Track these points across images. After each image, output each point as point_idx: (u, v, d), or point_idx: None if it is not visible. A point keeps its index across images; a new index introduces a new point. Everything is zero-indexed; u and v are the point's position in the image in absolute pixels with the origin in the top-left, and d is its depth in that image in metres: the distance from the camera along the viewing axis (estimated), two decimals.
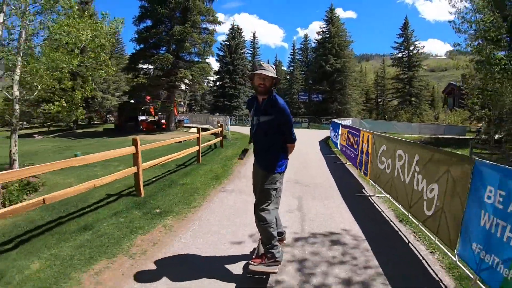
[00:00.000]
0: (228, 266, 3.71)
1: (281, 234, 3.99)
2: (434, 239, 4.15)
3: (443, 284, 3.37)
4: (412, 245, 4.28)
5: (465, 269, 3.43)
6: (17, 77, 8.54)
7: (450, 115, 39.39)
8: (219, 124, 16.95)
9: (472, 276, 3.25)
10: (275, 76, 3.40)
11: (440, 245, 3.96)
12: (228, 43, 47.46)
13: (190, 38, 25.36)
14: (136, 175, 6.39)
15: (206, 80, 40.30)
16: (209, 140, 13.24)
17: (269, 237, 3.38)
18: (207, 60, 28.82)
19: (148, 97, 27.83)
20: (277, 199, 3.58)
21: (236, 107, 44.58)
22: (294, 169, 9.06)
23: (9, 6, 8.19)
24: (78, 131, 33.00)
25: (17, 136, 9.13)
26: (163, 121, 29.17)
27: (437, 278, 3.48)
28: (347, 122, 20.06)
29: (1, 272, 3.41)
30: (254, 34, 58.28)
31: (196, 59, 27.74)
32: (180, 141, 12.21)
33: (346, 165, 10.55)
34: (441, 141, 22.30)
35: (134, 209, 5.55)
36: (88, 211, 5.43)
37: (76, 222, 4.91)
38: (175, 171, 9.01)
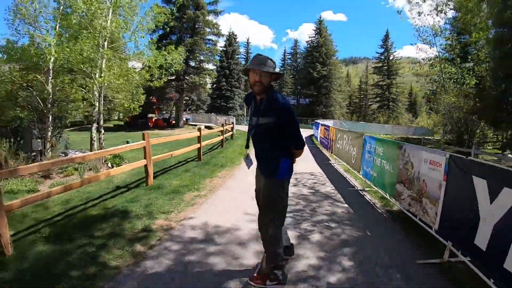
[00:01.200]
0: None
1: (288, 248, 3.61)
2: (355, 172, 9.03)
3: (354, 184, 8.16)
4: (345, 177, 9.08)
5: (362, 178, 8.14)
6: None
7: (425, 119, 44.94)
8: (226, 123, 21.80)
9: (363, 179, 8.01)
10: (274, 71, 2.93)
11: (357, 174, 8.81)
12: (225, 49, 52.16)
13: (198, 48, 30.11)
14: (199, 149, 11.11)
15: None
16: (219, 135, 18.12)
17: (275, 256, 3.08)
18: (209, 66, 33.68)
19: (154, 98, 32.26)
20: (283, 210, 3.16)
21: (231, 108, 49.22)
22: None
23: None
24: (89, 126, 36.83)
25: (95, 127, 13.27)
26: (173, 119, 33.84)
27: (352, 183, 8.26)
28: (329, 123, 25.03)
29: (160, 185, 7.87)
30: (247, 40, 63.44)
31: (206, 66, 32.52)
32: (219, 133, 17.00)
33: (321, 150, 15.57)
34: (407, 139, 27.43)
35: (205, 165, 10.24)
36: (176, 167, 10.11)
37: (178, 169, 9.61)
38: (210, 151, 13.73)
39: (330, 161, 11.93)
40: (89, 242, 4.16)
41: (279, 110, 2.88)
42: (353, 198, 6.75)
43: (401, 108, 55.69)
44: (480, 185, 3.21)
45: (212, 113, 41.76)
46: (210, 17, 32.20)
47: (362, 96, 65.45)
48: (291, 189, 7.85)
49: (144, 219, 5.01)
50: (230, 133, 19.29)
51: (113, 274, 3.45)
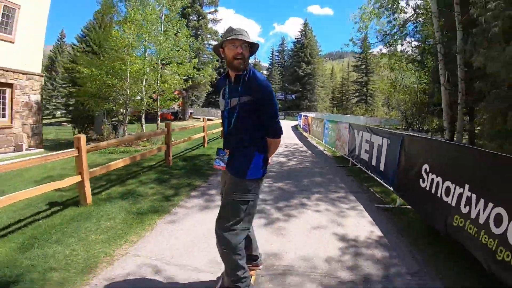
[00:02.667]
0: None
1: (256, 258, 3.08)
2: (321, 142, 14.78)
3: (319, 148, 13.81)
4: (315, 145, 14.69)
5: (323, 144, 13.84)
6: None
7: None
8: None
9: (324, 144, 13.72)
10: (254, 41, 2.46)
11: (321, 142, 14.52)
12: None
13: (201, 53, 35.56)
14: (204, 138, 16.62)
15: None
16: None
17: (234, 268, 2.54)
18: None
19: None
20: (249, 216, 2.56)
21: None
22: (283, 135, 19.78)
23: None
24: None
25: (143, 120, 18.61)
26: (179, 113, 39.35)
27: (318, 148, 13.90)
28: (311, 115, 30.81)
29: (211, 147, 13.53)
30: None
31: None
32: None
33: (302, 133, 21.28)
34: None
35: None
36: (209, 141, 15.64)
37: (211, 142, 15.20)
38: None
39: (307, 139, 17.60)
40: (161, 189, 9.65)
41: (257, 86, 2.37)
42: (317, 152, 12.36)
43: (378, 102, 61.97)
44: (357, 133, 8.85)
45: (210, 108, 47.06)
46: (210, 25, 37.63)
47: (343, 91, 71.66)
48: (286, 150, 13.12)
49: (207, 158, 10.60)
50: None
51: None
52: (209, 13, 37.91)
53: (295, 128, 26.64)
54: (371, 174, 7.08)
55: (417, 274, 3.21)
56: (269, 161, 2.78)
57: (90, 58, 17.27)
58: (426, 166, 4.30)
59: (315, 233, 4.24)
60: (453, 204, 3.51)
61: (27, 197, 4.36)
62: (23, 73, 14.29)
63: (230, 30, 2.45)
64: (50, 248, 3.62)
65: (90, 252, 3.56)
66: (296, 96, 58.51)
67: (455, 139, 11.76)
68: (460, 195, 3.41)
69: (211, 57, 37.23)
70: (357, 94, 65.27)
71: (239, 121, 2.52)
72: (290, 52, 66.15)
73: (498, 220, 2.78)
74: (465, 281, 3.04)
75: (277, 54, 72.01)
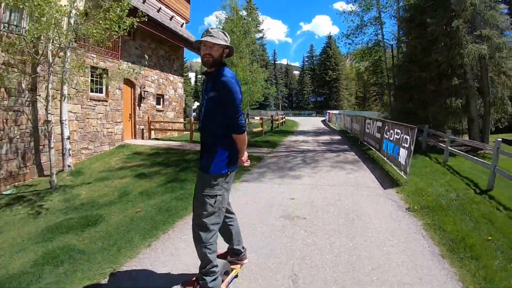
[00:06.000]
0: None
1: (239, 252, 3.13)
2: (336, 126, 27.47)
3: (332, 127, 26.35)
4: (333, 128, 27.19)
5: (338, 126, 26.62)
6: None
7: None
8: (278, 114, 40.07)
9: (338, 126, 26.44)
10: (226, 44, 2.63)
11: (336, 125, 27.23)
12: None
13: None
14: (261, 130, 29.79)
15: None
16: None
17: (205, 261, 2.61)
18: None
19: None
20: (218, 210, 2.63)
21: (268, 105, 67.51)
22: (315, 124, 32.29)
23: None
24: None
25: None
26: None
27: (332, 127, 26.07)
28: (333, 111, 42.94)
29: (279, 129, 26.42)
30: (274, 51, 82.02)
31: None
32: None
33: (327, 123, 33.37)
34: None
35: (277, 132, 28.73)
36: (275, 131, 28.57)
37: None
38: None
39: (329, 125, 29.57)
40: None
41: (221, 83, 2.52)
42: (331, 128, 24.19)
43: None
44: (343, 116, 21.60)
45: (260, 110, 59.95)
46: (257, 46, 50.56)
47: (365, 91, 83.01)
48: (317, 129, 25.52)
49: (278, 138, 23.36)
50: (282, 120, 37.33)
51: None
52: (258, 39, 50.78)
53: (323, 121, 38.94)
54: (354, 135, 19.66)
55: (345, 144, 15.93)
56: (244, 157, 2.86)
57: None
58: (368, 122, 17.09)
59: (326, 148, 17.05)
60: (370, 132, 16.29)
61: None
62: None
63: (206, 31, 2.60)
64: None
65: None
66: (325, 98, 70.81)
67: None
68: (372, 133, 16.17)
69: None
70: (374, 93, 76.48)
71: (206, 116, 2.63)
72: (318, 57, 76.90)
73: (374, 134, 15.59)
74: (362, 151, 15.73)
75: (307, 59, 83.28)
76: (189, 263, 3.34)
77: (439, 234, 4.04)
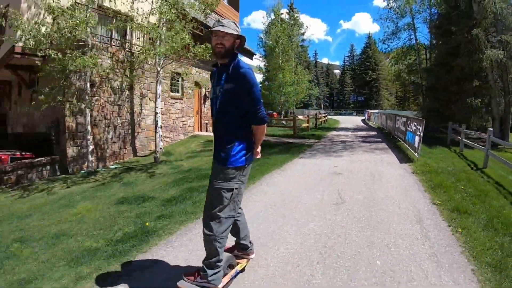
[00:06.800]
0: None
1: (246, 247, 3.13)
2: (373, 123, 29.67)
3: (371, 125, 28.54)
4: (371, 125, 29.34)
5: (375, 124, 28.79)
6: None
7: None
8: (320, 113, 42.56)
9: (375, 124, 28.73)
10: (238, 33, 2.60)
11: (373, 123, 29.34)
12: None
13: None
14: (308, 126, 32.47)
15: None
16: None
17: (212, 253, 2.61)
18: None
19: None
20: (233, 203, 2.65)
21: (310, 104, 69.72)
22: (354, 122, 34.51)
23: None
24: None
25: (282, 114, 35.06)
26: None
27: (371, 125, 28.32)
28: (372, 111, 44.80)
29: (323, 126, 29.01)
30: (315, 51, 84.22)
31: None
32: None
33: (366, 121, 35.59)
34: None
35: (319, 129, 31.32)
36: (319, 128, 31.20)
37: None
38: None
39: (368, 123, 32.01)
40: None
41: (239, 74, 2.50)
42: (369, 126, 26.46)
43: None
44: (380, 115, 23.90)
45: (303, 109, 62.40)
46: (300, 49, 53.03)
47: (405, 91, 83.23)
48: (356, 126, 27.92)
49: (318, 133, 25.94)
50: (325, 119, 39.66)
51: None
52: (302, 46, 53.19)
53: (363, 120, 40.63)
54: (388, 131, 22.06)
55: (378, 138, 18.30)
56: (258, 150, 2.85)
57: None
58: (398, 119, 19.45)
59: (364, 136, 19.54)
60: (399, 127, 18.69)
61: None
62: None
63: (217, 22, 2.58)
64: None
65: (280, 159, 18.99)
66: (365, 98, 72.18)
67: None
68: (400, 127, 18.58)
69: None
70: (413, 93, 76.69)
71: (221, 108, 2.58)
72: (358, 57, 78.64)
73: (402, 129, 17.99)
74: (392, 143, 18.14)
75: (347, 59, 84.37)
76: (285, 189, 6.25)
77: (427, 183, 6.56)
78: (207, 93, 18.46)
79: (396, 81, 35.94)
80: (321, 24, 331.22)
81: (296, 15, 48.88)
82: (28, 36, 9.62)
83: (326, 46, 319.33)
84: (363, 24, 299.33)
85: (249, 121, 2.65)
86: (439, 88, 16.97)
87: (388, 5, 24.50)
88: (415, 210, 4.86)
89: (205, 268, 2.61)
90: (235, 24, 2.64)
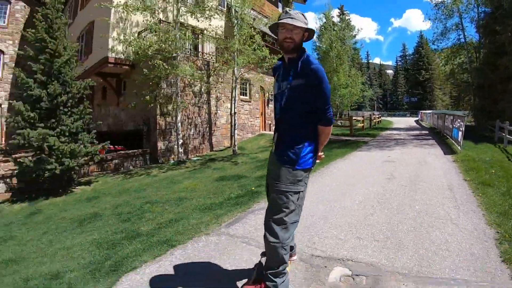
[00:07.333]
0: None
1: (291, 249, 2.99)
2: (426, 123, 30.38)
3: (423, 125, 29.14)
4: (423, 125, 30.07)
5: (427, 124, 29.51)
6: None
7: None
8: (374, 115, 43.28)
9: (428, 123, 29.45)
10: (307, 26, 2.40)
11: (426, 123, 30.19)
12: None
13: None
14: (363, 125, 33.51)
15: None
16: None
17: (277, 261, 2.46)
18: None
19: None
20: (298, 208, 2.52)
21: (363, 106, 70.10)
22: (407, 123, 35.17)
23: None
24: None
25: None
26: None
27: (423, 125, 29.00)
28: (426, 111, 44.74)
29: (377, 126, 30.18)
30: (367, 52, 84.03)
31: None
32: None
33: (421, 122, 36.09)
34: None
35: (375, 128, 32.29)
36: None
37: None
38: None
39: (421, 123, 32.71)
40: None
41: (310, 70, 2.34)
42: (422, 126, 27.44)
43: None
44: (431, 114, 24.78)
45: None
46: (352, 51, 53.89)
47: (459, 91, 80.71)
48: (410, 125, 28.95)
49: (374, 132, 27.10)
50: (378, 119, 38.67)
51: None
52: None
53: (416, 121, 40.34)
54: (439, 130, 22.99)
55: (429, 136, 19.41)
56: (320, 153, 2.72)
57: None
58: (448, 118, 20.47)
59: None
60: (447, 125, 19.72)
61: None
62: None
63: (284, 13, 2.40)
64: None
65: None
66: (418, 98, 71.22)
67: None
68: (448, 125, 19.62)
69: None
70: (467, 92, 74.21)
71: (288, 105, 2.45)
72: (411, 56, 77.61)
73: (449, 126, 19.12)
74: (440, 140, 19.25)
75: (399, 59, 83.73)
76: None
77: (463, 167, 8.08)
78: (270, 96, 20.51)
79: (447, 81, 35.89)
80: (371, 23, 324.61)
81: (347, 17, 49.91)
82: (123, 49, 12.43)
83: (377, 46, 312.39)
84: (415, 20, 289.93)
85: (315, 120, 2.50)
86: (486, 87, 17.79)
87: (436, 5, 24.98)
88: (448, 183, 6.54)
89: (272, 278, 2.47)
90: (303, 15, 2.42)
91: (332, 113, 2.53)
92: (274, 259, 2.46)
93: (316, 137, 2.56)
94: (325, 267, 3.18)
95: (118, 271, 3.40)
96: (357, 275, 3.02)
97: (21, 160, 9.44)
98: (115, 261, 3.69)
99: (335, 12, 44.11)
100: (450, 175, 7.30)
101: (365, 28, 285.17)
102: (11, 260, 4.80)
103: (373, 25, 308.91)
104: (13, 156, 10.54)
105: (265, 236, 2.50)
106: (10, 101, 19.72)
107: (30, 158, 9.64)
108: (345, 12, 52.67)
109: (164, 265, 3.41)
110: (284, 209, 2.42)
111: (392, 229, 4.11)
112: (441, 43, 25.65)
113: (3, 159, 11.83)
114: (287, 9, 2.48)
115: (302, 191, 2.50)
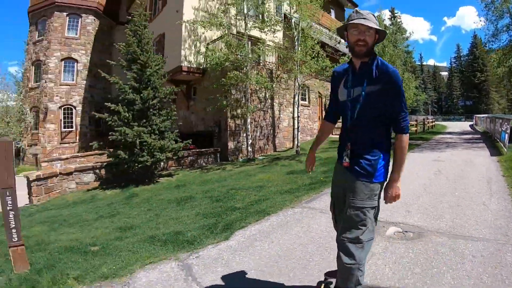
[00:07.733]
0: None
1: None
2: (480, 127, 30.19)
3: (477, 129, 28.33)
4: (477, 129, 29.42)
5: (481, 128, 28.96)
6: None
7: None
8: (428, 119, 42.31)
9: (481, 128, 28.95)
10: (378, 27, 2.22)
11: (479, 127, 30.06)
12: None
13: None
14: (416, 130, 33.77)
15: None
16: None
17: (353, 283, 2.26)
18: None
19: None
20: (373, 224, 2.33)
21: (417, 110, 68.16)
22: (461, 127, 34.61)
23: None
24: None
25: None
26: None
27: (478, 129, 28.62)
28: (480, 116, 43.47)
29: None
30: (420, 55, 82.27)
31: None
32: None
33: (475, 126, 35.00)
34: None
35: (423, 133, 32.56)
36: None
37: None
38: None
39: (475, 128, 31.66)
40: None
41: (389, 74, 2.17)
42: (476, 132, 26.58)
43: None
44: (484, 119, 24.81)
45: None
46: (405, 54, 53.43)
47: None
48: (464, 129, 28.20)
49: None
50: (432, 124, 36.62)
51: None
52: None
53: (470, 125, 38.88)
54: (491, 134, 22.88)
55: (480, 139, 19.55)
56: (397, 185, 2.46)
57: None
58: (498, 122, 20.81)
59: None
60: (497, 129, 20.02)
61: None
62: None
63: (355, 13, 2.23)
64: None
65: None
66: (473, 102, 68.62)
67: None
68: (498, 129, 19.95)
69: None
70: None
71: (363, 113, 2.27)
72: (466, 58, 74.89)
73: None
74: (491, 143, 19.67)
75: (454, 60, 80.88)
76: None
77: (505, 166, 8.87)
78: (326, 101, 21.63)
79: (500, 84, 35.34)
80: (424, 22, 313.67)
81: (398, 20, 49.58)
82: (194, 59, 14.73)
83: (431, 46, 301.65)
84: (468, 19, 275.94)
85: (389, 129, 2.35)
86: None
87: (486, 6, 24.77)
88: (488, 177, 7.70)
89: None
90: (374, 15, 2.25)
91: (409, 122, 2.36)
92: (347, 280, 2.27)
93: (389, 148, 2.37)
94: (383, 227, 4.61)
95: (230, 229, 4.78)
96: (406, 232, 4.48)
97: (119, 153, 11.37)
98: (225, 223, 5.12)
99: (386, 15, 43.99)
100: (491, 172, 8.39)
101: (417, 28, 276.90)
102: (127, 227, 5.92)
103: (425, 25, 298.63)
104: (107, 149, 12.71)
105: (338, 257, 2.31)
106: (83, 103, 23.95)
107: (121, 152, 11.43)
108: (396, 14, 52.45)
109: (265, 225, 4.99)
110: (361, 227, 2.24)
111: (434, 207, 5.52)
112: (493, 45, 25.33)
113: (99, 152, 14.18)
114: (357, 9, 2.35)
115: (376, 206, 2.35)
